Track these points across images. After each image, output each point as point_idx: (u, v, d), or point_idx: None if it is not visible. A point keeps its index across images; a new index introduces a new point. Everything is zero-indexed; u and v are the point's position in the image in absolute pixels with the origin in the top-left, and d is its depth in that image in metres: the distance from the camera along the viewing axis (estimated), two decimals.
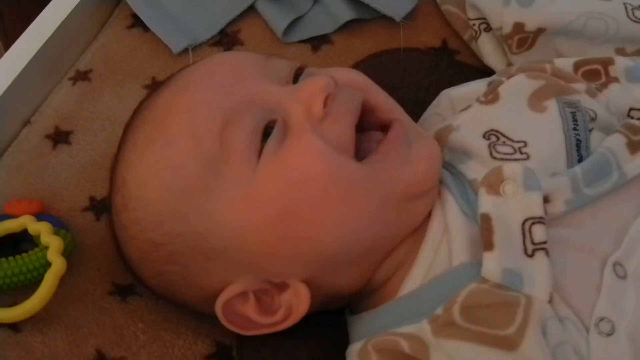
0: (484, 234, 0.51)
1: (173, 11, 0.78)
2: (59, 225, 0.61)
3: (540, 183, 0.52)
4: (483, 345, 0.48)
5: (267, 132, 0.52)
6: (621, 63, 0.62)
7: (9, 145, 0.70)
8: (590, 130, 0.57)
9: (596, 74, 0.62)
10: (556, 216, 0.52)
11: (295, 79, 0.58)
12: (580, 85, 0.60)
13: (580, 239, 0.52)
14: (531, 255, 0.50)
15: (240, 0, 0.78)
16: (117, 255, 0.60)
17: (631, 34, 0.65)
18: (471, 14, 0.72)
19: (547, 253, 0.50)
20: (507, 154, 0.56)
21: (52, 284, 0.56)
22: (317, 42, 0.77)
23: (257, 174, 0.51)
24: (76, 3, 0.74)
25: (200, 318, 0.59)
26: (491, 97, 0.59)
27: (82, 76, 0.74)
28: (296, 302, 0.53)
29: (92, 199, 0.66)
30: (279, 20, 0.76)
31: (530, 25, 0.66)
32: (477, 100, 0.60)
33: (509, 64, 0.69)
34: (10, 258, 0.58)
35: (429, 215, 0.56)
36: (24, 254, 0.58)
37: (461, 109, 0.62)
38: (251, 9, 0.78)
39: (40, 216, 0.61)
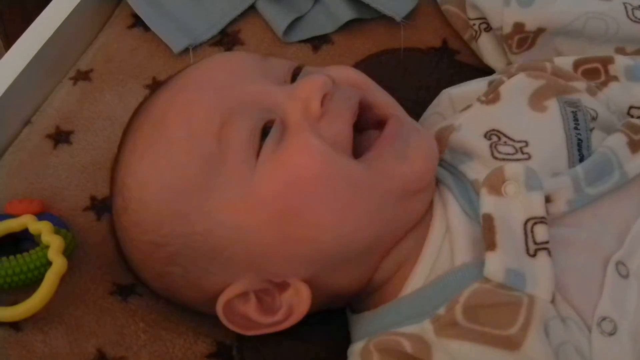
0: (486, 234, 0.51)
1: (173, 11, 0.78)
2: (60, 225, 0.61)
3: (542, 183, 0.52)
4: (485, 345, 0.48)
5: (265, 132, 0.52)
6: (621, 62, 0.62)
7: (10, 145, 0.70)
8: (591, 130, 0.57)
9: (596, 72, 0.62)
10: (558, 216, 0.52)
11: (294, 79, 0.58)
12: (580, 84, 0.60)
13: (582, 238, 0.52)
14: (533, 255, 0.50)
15: (240, 0, 0.78)
16: (118, 257, 0.60)
17: (631, 34, 0.65)
18: (471, 13, 0.72)
19: (549, 253, 0.50)
20: (509, 154, 0.56)
21: (53, 283, 0.56)
22: (317, 42, 0.77)
23: (256, 173, 0.51)
24: (77, 3, 0.74)
25: (200, 318, 0.59)
26: (492, 96, 0.59)
27: (83, 76, 0.74)
28: (297, 302, 0.53)
29: (92, 198, 0.66)
30: (279, 20, 0.76)
31: (530, 25, 0.66)
32: (478, 100, 0.60)
33: (509, 64, 0.69)
34: (11, 257, 0.58)
35: (430, 216, 0.56)
36: (25, 253, 0.58)
37: (462, 109, 0.62)
38: (251, 9, 0.78)
39: (41, 216, 0.61)
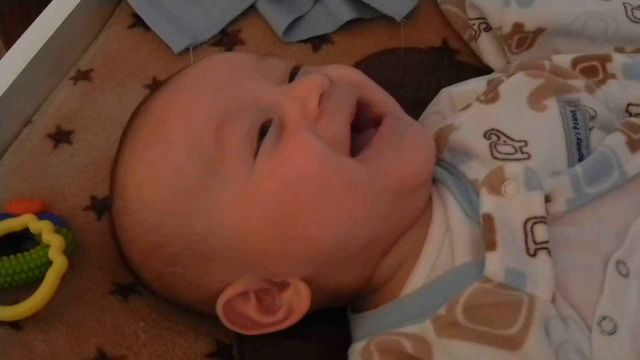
0: (487, 234, 0.51)
1: (174, 11, 0.78)
2: (60, 224, 0.61)
3: (541, 183, 0.52)
4: (486, 345, 0.48)
5: (263, 132, 0.52)
6: (619, 60, 0.62)
7: (10, 145, 0.70)
8: (590, 129, 0.57)
9: (594, 70, 0.62)
10: (558, 215, 0.52)
11: (291, 78, 0.58)
12: (579, 82, 0.61)
13: (582, 237, 0.52)
14: (533, 255, 0.50)
15: (240, 0, 0.78)
16: (119, 258, 0.60)
17: (630, 34, 0.66)
18: (471, 13, 0.72)
19: (549, 252, 0.50)
20: (508, 153, 0.56)
21: (54, 282, 0.56)
22: (317, 41, 0.77)
23: (254, 173, 0.51)
24: (77, 3, 0.74)
25: (201, 317, 0.59)
26: (491, 96, 0.59)
27: (83, 76, 0.74)
28: (297, 301, 0.53)
29: (93, 198, 0.66)
30: (279, 20, 0.76)
31: (530, 25, 0.66)
32: (477, 99, 0.60)
33: (508, 64, 0.69)
34: (12, 256, 0.58)
35: (430, 216, 0.56)
36: (25, 253, 0.58)
37: (461, 108, 0.62)
38: (252, 9, 0.78)
39: (41, 215, 0.61)
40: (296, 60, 0.61)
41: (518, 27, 0.67)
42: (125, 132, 0.58)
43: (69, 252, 0.60)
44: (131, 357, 0.58)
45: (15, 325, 0.58)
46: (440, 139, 0.59)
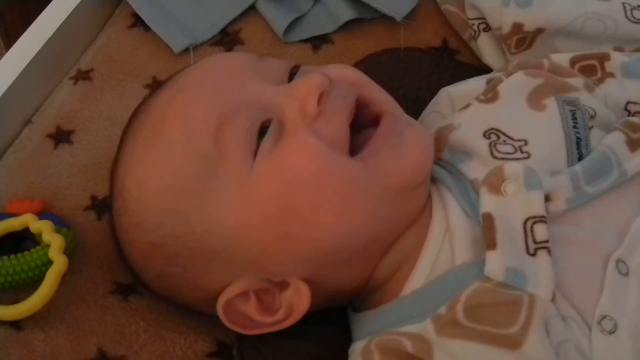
0: (487, 233, 0.51)
1: (174, 11, 0.78)
2: (61, 224, 0.61)
3: (541, 182, 0.52)
4: (486, 344, 0.48)
5: (262, 132, 0.52)
6: (617, 59, 0.62)
7: (11, 145, 0.70)
8: (589, 128, 0.57)
9: (592, 69, 0.62)
10: (557, 214, 0.53)
11: (291, 78, 0.58)
12: (578, 80, 0.61)
13: (581, 236, 0.52)
14: (533, 254, 0.50)
15: (240, 0, 0.78)
16: (119, 258, 0.60)
17: (629, 34, 0.66)
18: (470, 13, 0.73)
19: (549, 252, 0.50)
20: (508, 153, 0.56)
21: (54, 281, 0.56)
22: (317, 41, 0.77)
23: (253, 173, 0.51)
24: (77, 2, 0.74)
25: (201, 317, 0.59)
26: (490, 95, 0.59)
27: (84, 75, 0.74)
28: (297, 301, 0.53)
29: (93, 198, 0.66)
30: (279, 19, 0.76)
31: (529, 25, 0.66)
32: (477, 98, 0.60)
33: (508, 63, 0.69)
34: (12, 256, 0.58)
35: (430, 215, 0.56)
36: (26, 252, 0.58)
37: (460, 107, 0.62)
38: (252, 9, 0.79)
39: (41, 215, 0.61)
40: (296, 60, 0.61)
41: (517, 27, 0.67)
42: (125, 132, 0.59)
43: (69, 251, 0.60)
44: (131, 356, 0.58)
45: (16, 324, 0.58)
46: (440, 139, 0.59)
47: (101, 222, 0.65)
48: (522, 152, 0.56)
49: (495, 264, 0.50)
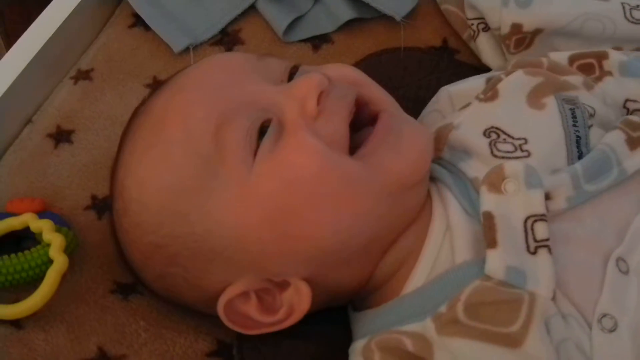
0: (487, 232, 0.51)
1: (174, 10, 0.78)
2: (61, 223, 0.61)
3: (541, 181, 0.52)
4: (487, 343, 0.48)
5: (262, 132, 0.52)
6: (615, 57, 0.62)
7: (11, 144, 0.70)
8: (589, 127, 0.57)
9: (590, 67, 0.62)
10: (557, 213, 0.53)
11: (290, 78, 0.58)
12: (577, 78, 0.61)
13: (582, 234, 0.52)
14: (534, 253, 0.50)
15: (240, 0, 0.78)
16: (120, 259, 0.60)
17: (628, 35, 0.66)
18: (470, 13, 0.73)
19: (549, 250, 0.50)
20: (508, 152, 0.56)
21: (54, 281, 0.56)
22: (317, 41, 0.77)
23: (253, 173, 0.51)
24: (77, 2, 0.74)
25: (201, 316, 0.59)
26: (490, 94, 0.59)
27: (84, 75, 0.74)
28: (298, 301, 0.53)
29: (93, 197, 0.66)
30: (279, 19, 0.76)
31: (528, 26, 0.66)
32: (477, 97, 0.60)
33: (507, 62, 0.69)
34: (12, 255, 0.58)
35: (430, 214, 0.56)
36: (26, 252, 0.58)
37: (460, 106, 0.62)
38: (252, 9, 0.79)
39: (42, 214, 0.61)
40: (296, 60, 0.61)
41: (516, 27, 0.67)
42: (125, 132, 0.59)
43: (70, 251, 0.60)
44: (132, 356, 0.58)
45: (16, 323, 0.58)
46: (440, 138, 0.59)
47: (101, 222, 0.65)
48: (522, 150, 0.56)
49: (495, 262, 0.50)
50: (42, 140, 0.70)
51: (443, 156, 0.59)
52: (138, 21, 0.78)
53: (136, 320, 0.60)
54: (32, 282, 0.58)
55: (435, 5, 0.78)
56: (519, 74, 0.60)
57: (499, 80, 0.60)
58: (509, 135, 0.57)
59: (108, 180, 0.60)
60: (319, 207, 0.52)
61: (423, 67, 0.73)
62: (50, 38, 0.72)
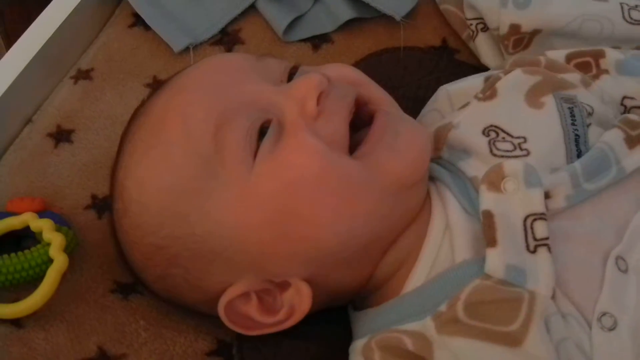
0: (487, 231, 0.51)
1: (174, 10, 0.78)
2: (61, 223, 0.61)
3: (541, 179, 0.52)
4: (487, 341, 0.48)
5: (262, 132, 0.52)
6: (612, 56, 0.62)
7: (11, 144, 0.70)
8: (587, 125, 0.57)
9: (587, 66, 0.62)
10: (557, 212, 0.53)
11: (290, 78, 0.58)
12: (575, 76, 0.61)
13: (581, 233, 0.52)
14: (533, 252, 0.50)
15: (240, 0, 0.78)
16: (120, 260, 0.60)
17: (626, 35, 0.66)
18: (469, 13, 0.73)
19: (549, 249, 0.50)
20: (507, 150, 0.56)
21: (54, 280, 0.56)
22: (317, 41, 0.77)
23: (253, 174, 0.51)
24: (77, 2, 0.75)
25: (201, 316, 0.59)
26: (489, 93, 0.59)
27: (84, 75, 0.74)
28: (298, 301, 0.53)
29: (94, 197, 0.66)
30: (279, 19, 0.76)
31: (526, 26, 0.66)
32: (475, 97, 0.60)
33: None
34: (13, 255, 0.58)
35: (429, 213, 0.56)
36: (26, 251, 0.58)
37: (459, 105, 0.62)
38: (252, 8, 0.79)
39: (42, 214, 0.61)
40: (296, 60, 0.62)
41: (515, 28, 0.67)
42: (125, 133, 0.59)
43: (70, 250, 0.60)
44: (132, 355, 0.58)
45: (16, 323, 0.58)
46: (440, 138, 0.59)
47: (101, 221, 0.65)
48: (521, 149, 0.56)
49: (495, 261, 0.50)
50: (42, 139, 0.70)
51: (442, 155, 0.59)
52: (138, 21, 0.78)
53: (136, 319, 0.60)
54: (32, 282, 0.58)
55: (435, 5, 0.78)
56: (517, 72, 0.60)
57: (498, 79, 0.60)
58: (508, 134, 0.57)
59: (108, 179, 0.60)
60: (319, 207, 0.52)
61: (423, 66, 0.73)
62: (51, 38, 0.72)
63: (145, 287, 0.59)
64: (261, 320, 0.54)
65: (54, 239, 0.57)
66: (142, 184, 0.54)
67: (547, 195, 0.52)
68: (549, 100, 0.58)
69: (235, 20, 0.78)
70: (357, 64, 0.73)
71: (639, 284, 0.50)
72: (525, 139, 0.56)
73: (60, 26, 0.73)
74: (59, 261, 0.57)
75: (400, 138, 0.54)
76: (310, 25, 0.77)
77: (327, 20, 0.77)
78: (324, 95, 0.54)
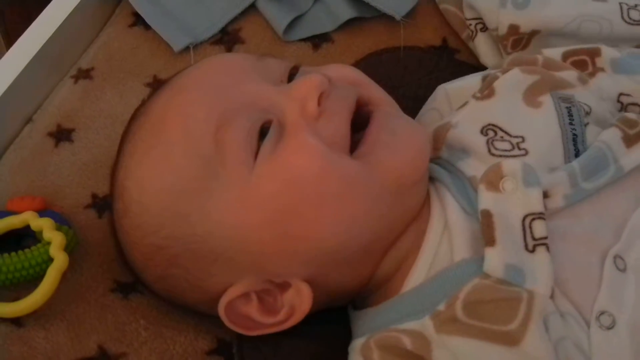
0: (485, 230, 0.51)
1: (174, 10, 0.78)
2: (62, 222, 0.61)
3: (539, 179, 0.52)
4: (485, 341, 0.48)
5: (263, 133, 0.53)
6: (607, 54, 0.62)
7: (12, 143, 0.70)
8: (585, 125, 0.57)
9: (583, 64, 0.62)
10: (555, 211, 0.53)
11: (290, 79, 0.58)
12: (572, 74, 0.61)
13: (579, 232, 0.52)
14: (532, 251, 0.50)
15: None
16: (120, 260, 0.60)
17: (624, 35, 0.66)
18: (468, 13, 0.73)
19: (547, 248, 0.50)
20: (506, 150, 0.56)
21: (55, 279, 0.56)
22: (317, 40, 0.77)
23: (254, 174, 0.51)
24: (78, 1, 0.75)
25: (201, 315, 0.59)
26: (487, 92, 0.59)
27: (84, 74, 0.75)
28: (299, 302, 0.53)
29: (94, 196, 0.67)
30: (279, 18, 0.76)
31: (525, 27, 0.66)
32: (474, 96, 0.60)
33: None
34: (13, 253, 0.58)
35: (428, 213, 0.56)
36: (27, 250, 0.59)
37: (458, 105, 0.62)
38: (252, 8, 0.79)
39: (42, 213, 0.61)
40: (296, 59, 0.62)
41: (513, 28, 0.67)
42: (125, 133, 0.59)
43: (70, 249, 0.60)
44: (132, 354, 0.58)
45: (17, 322, 0.58)
46: (438, 138, 0.59)
47: (102, 220, 0.65)
48: (519, 149, 0.56)
49: (494, 260, 0.50)
50: (43, 139, 0.70)
51: (441, 155, 0.59)
52: (138, 20, 0.78)
53: (136, 318, 0.60)
54: (33, 281, 0.58)
55: (435, 5, 0.78)
56: (515, 72, 0.60)
57: (495, 78, 0.60)
58: (506, 133, 0.57)
59: (108, 179, 0.60)
60: (320, 208, 0.52)
61: (423, 66, 0.73)
62: (51, 37, 0.72)
63: (145, 287, 0.59)
64: (261, 321, 0.54)
65: (54, 238, 0.58)
66: (142, 184, 0.54)
67: (545, 195, 0.52)
68: (547, 100, 0.58)
69: (235, 19, 0.78)
70: (357, 64, 0.73)
71: (637, 282, 0.50)
72: (523, 139, 0.56)
73: (60, 25, 0.73)
74: (59, 260, 0.57)
75: (398, 137, 0.55)
76: (311, 24, 0.77)
77: (327, 20, 0.77)
78: (324, 95, 0.54)
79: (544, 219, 0.51)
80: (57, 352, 0.58)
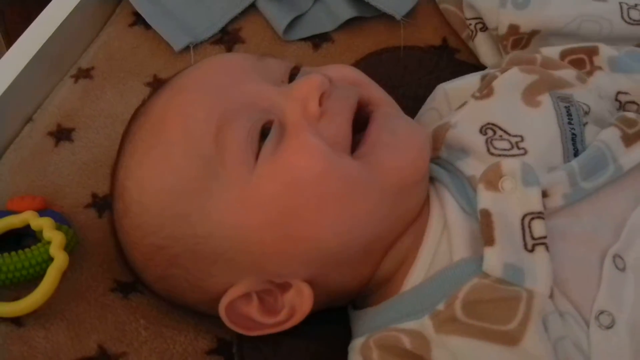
0: (485, 230, 0.51)
1: (174, 9, 0.78)
2: (62, 221, 0.61)
3: (538, 178, 0.52)
4: (484, 340, 0.48)
5: (264, 133, 0.52)
6: (605, 52, 0.62)
7: (12, 143, 0.70)
8: (584, 124, 0.57)
9: (581, 62, 0.62)
10: (554, 210, 0.53)
11: (291, 79, 0.58)
12: (570, 72, 0.61)
13: (579, 232, 0.52)
14: (531, 250, 0.50)
15: None
16: (121, 260, 0.60)
17: (624, 35, 0.66)
18: (468, 13, 0.73)
19: (547, 248, 0.50)
20: (505, 149, 0.56)
21: (55, 278, 0.56)
22: (317, 40, 0.77)
23: (255, 175, 0.51)
24: (78, 1, 0.75)
25: (201, 315, 0.59)
26: (486, 92, 0.59)
27: (84, 74, 0.75)
28: (299, 302, 0.54)
29: (94, 195, 0.67)
30: (279, 18, 0.76)
31: (525, 27, 0.66)
32: (473, 96, 0.60)
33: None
34: (13, 253, 0.59)
35: (428, 213, 0.56)
36: (27, 249, 0.59)
37: (457, 105, 0.62)
38: (252, 7, 0.79)
39: (42, 212, 0.61)
40: (296, 59, 0.62)
41: (513, 28, 0.67)
42: (126, 133, 0.59)
43: (70, 249, 0.60)
44: (132, 354, 0.58)
45: (17, 321, 0.58)
46: (438, 137, 0.59)
47: (102, 220, 0.65)
48: (518, 148, 0.56)
49: (493, 259, 0.50)
50: (43, 138, 0.70)
51: (441, 155, 0.59)
52: (138, 20, 0.78)
53: (136, 318, 0.60)
54: (33, 280, 0.58)
55: (435, 5, 0.78)
56: (514, 71, 0.60)
57: (494, 77, 0.60)
58: (505, 132, 0.57)
59: (108, 178, 0.60)
60: (321, 208, 0.52)
61: (423, 66, 0.73)
62: (51, 37, 0.72)
63: (145, 286, 0.59)
64: (262, 321, 0.54)
65: (54, 238, 0.58)
66: (142, 184, 0.54)
67: (544, 194, 0.52)
68: (546, 99, 0.58)
69: (235, 19, 0.78)
70: (357, 63, 0.74)
71: (636, 282, 0.50)
72: (522, 138, 0.56)
73: (60, 25, 0.73)
74: (59, 260, 0.57)
75: (398, 137, 0.55)
76: (311, 24, 0.78)
77: (327, 20, 0.77)
78: (325, 95, 0.54)
79: (543, 218, 0.51)
80: (57, 351, 0.58)
